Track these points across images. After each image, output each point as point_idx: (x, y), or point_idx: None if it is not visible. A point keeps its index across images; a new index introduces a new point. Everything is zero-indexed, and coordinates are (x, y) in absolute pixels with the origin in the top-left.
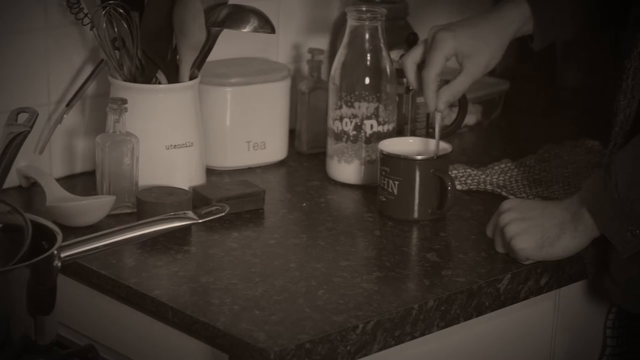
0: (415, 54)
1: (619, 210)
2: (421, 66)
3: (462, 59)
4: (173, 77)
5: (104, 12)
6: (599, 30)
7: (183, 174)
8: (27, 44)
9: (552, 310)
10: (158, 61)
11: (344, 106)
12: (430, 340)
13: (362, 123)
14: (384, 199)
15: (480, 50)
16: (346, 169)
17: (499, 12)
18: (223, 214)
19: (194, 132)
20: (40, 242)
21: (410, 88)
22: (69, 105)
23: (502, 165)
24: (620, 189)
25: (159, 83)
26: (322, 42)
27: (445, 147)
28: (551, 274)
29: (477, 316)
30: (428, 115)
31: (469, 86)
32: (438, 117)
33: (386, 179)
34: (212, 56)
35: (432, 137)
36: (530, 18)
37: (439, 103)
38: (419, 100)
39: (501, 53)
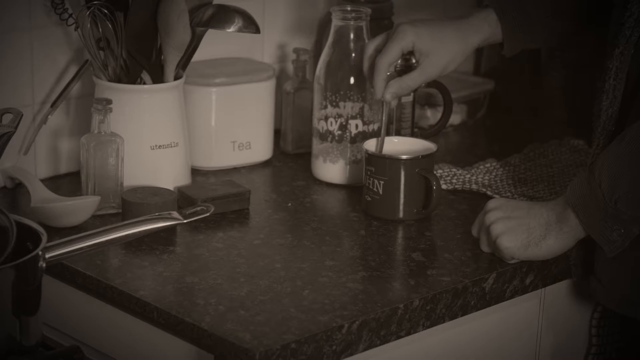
0: (378, 40)
1: (604, 210)
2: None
3: (419, 56)
4: (158, 77)
5: (88, 13)
6: (581, 36)
7: (168, 174)
8: (11, 44)
9: (538, 309)
10: (143, 61)
11: (329, 106)
12: (416, 340)
13: (347, 123)
14: (369, 199)
15: (437, 51)
16: (331, 169)
17: (467, 18)
18: (208, 214)
19: (179, 132)
20: (25, 243)
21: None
22: (53, 105)
23: (487, 165)
24: (604, 189)
25: (144, 83)
26: (307, 42)
27: (430, 146)
28: (536, 273)
29: (462, 315)
30: (413, 114)
31: (420, 84)
32: (385, 107)
33: (371, 179)
34: (197, 56)
35: (417, 136)
36: (498, 26)
37: (385, 93)
38: (404, 100)
39: (461, 58)
